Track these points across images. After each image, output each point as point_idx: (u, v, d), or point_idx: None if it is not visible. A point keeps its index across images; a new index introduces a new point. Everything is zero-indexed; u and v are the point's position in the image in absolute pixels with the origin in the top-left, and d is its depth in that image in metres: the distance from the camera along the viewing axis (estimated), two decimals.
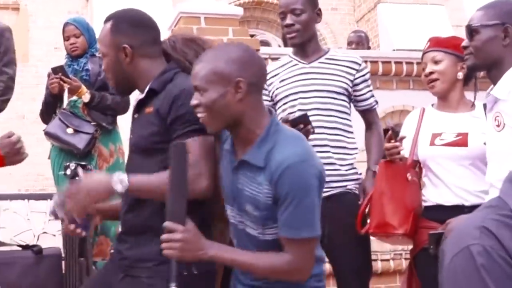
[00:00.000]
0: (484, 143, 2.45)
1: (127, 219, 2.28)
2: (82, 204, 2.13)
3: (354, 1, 10.00)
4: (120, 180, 2.08)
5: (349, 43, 5.70)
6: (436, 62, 2.83)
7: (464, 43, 2.42)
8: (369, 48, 5.99)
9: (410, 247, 2.97)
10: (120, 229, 2.56)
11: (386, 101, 4.81)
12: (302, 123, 2.75)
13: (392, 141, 2.76)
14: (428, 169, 2.82)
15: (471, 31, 2.35)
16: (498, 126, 2.30)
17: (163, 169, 2.10)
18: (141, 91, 2.33)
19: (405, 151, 2.87)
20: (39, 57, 8.00)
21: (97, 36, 3.66)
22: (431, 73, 2.81)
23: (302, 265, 2.01)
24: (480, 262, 1.11)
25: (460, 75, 2.78)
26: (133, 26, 2.30)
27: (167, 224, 1.86)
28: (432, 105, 2.92)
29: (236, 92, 1.91)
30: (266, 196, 1.93)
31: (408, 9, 8.90)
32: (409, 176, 2.78)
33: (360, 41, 5.63)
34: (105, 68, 2.40)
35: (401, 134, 2.87)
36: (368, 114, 3.19)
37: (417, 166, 2.86)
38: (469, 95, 2.81)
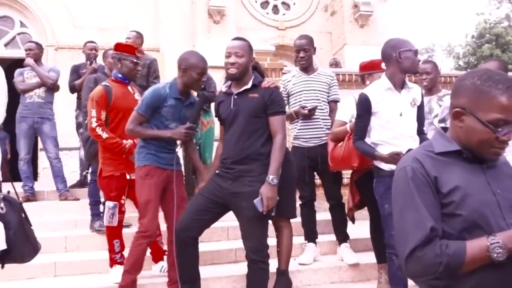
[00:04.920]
0: (400, 114, 2.70)
1: (240, 153, 2.56)
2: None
3: (332, 44, 11.22)
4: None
5: (330, 65, 6.50)
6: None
7: None
8: (341, 67, 6.65)
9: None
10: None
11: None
12: (313, 109, 3.47)
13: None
14: None
15: None
16: (414, 104, 2.74)
17: (260, 126, 2.54)
18: (244, 82, 2.63)
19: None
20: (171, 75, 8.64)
21: None
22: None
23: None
24: (410, 175, 1.27)
25: None
26: (251, 48, 2.71)
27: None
28: None
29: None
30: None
31: (360, 48, 10.04)
32: None
33: (336, 63, 6.47)
34: (240, 62, 2.60)
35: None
36: (332, 104, 3.63)
37: None
38: None
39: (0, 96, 4.86)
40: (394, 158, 2.56)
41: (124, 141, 3.12)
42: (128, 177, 3.15)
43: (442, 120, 3.41)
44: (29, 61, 4.94)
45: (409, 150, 2.40)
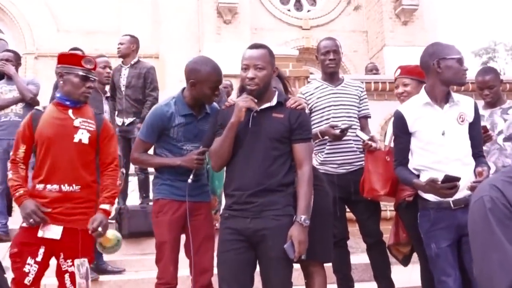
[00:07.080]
0: (443, 133, 2.71)
1: (261, 183, 2.49)
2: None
3: (368, 45, 11.17)
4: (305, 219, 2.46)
5: (369, 71, 6.50)
6: (405, 85, 3.27)
7: None
8: (379, 74, 6.70)
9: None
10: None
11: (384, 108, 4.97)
12: (346, 130, 3.39)
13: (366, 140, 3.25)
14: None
15: None
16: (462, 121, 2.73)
17: (283, 152, 2.54)
18: (266, 98, 2.60)
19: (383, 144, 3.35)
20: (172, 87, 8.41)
21: None
22: (402, 92, 3.27)
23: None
24: (488, 206, 1.29)
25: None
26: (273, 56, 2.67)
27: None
28: None
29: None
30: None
31: (402, 50, 9.99)
32: (387, 158, 3.14)
33: (375, 69, 6.50)
34: (261, 77, 2.55)
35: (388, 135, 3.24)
36: (363, 120, 3.65)
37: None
38: None
39: None
40: (431, 186, 2.54)
41: (21, 190, 2.80)
42: (41, 233, 2.72)
43: (508, 138, 3.32)
44: (11, 69, 4.93)
45: (446, 176, 2.48)
